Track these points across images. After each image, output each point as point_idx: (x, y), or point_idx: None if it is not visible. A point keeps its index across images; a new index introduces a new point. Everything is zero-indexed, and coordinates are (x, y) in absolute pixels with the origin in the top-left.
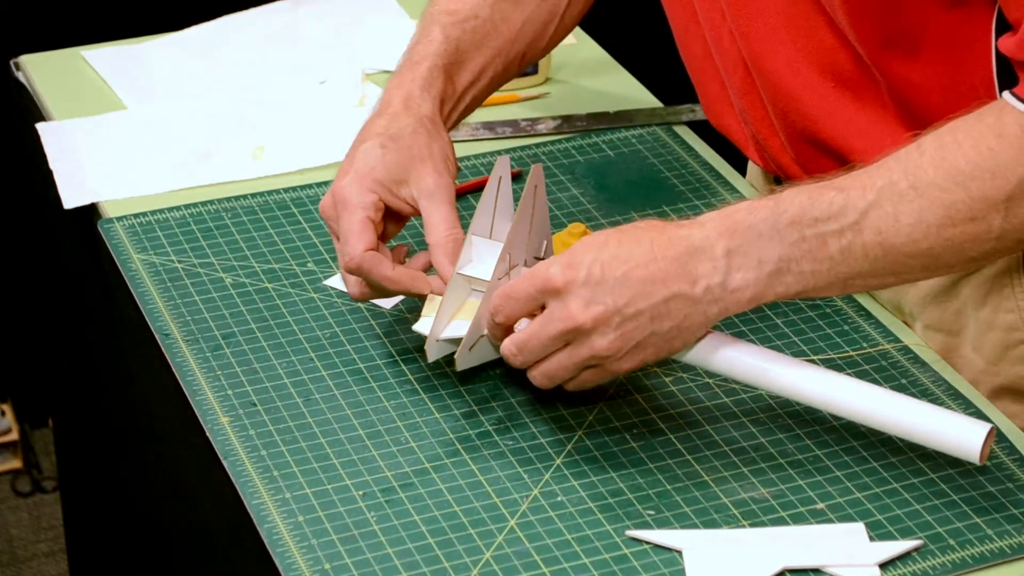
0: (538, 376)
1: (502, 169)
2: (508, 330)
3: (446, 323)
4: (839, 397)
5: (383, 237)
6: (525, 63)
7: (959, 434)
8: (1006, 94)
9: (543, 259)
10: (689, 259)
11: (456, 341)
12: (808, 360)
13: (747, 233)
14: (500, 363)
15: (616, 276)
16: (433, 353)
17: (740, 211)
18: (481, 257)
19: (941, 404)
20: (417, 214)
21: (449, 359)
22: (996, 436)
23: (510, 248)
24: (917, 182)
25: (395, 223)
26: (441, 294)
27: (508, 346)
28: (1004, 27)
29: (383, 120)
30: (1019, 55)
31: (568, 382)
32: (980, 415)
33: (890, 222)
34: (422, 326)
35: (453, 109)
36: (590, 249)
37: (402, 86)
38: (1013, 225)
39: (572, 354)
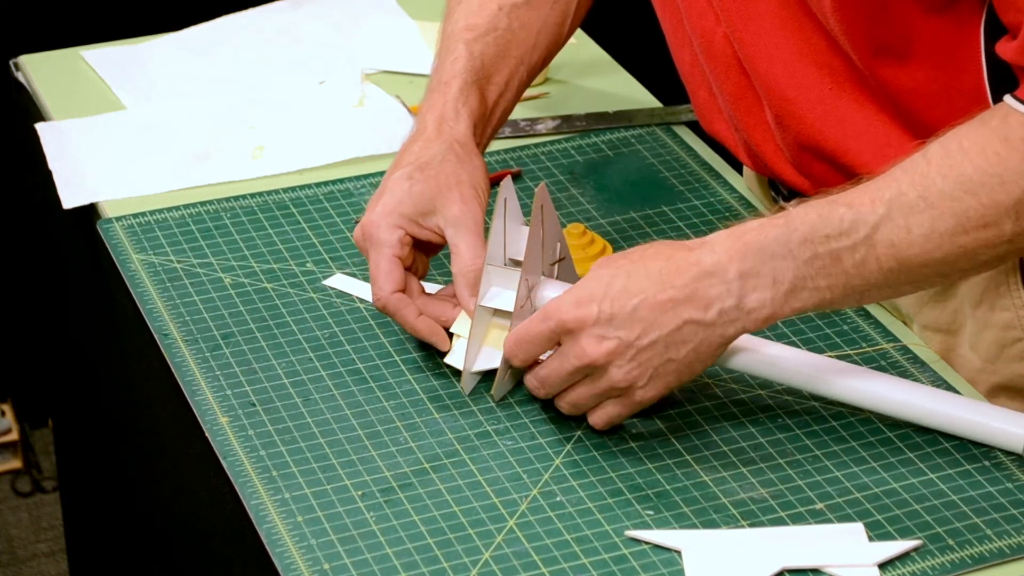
0: (565, 406)
1: (506, 192)
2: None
3: (476, 355)
4: (884, 396)
5: (417, 270)
6: (543, 67)
7: (1002, 426)
8: (1008, 98)
9: (561, 260)
10: (700, 284)
11: (487, 372)
12: None
13: (759, 254)
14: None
15: (627, 311)
16: (468, 385)
17: (750, 232)
18: (501, 284)
19: None
20: (446, 243)
21: (487, 386)
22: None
23: (528, 273)
24: (926, 192)
25: (429, 252)
26: (467, 331)
27: (531, 380)
28: (992, 32)
29: (416, 146)
30: (1021, 60)
31: (595, 413)
32: None
33: (902, 234)
34: (453, 359)
35: (487, 125)
36: (600, 283)
37: (434, 108)
38: None
39: (592, 386)
